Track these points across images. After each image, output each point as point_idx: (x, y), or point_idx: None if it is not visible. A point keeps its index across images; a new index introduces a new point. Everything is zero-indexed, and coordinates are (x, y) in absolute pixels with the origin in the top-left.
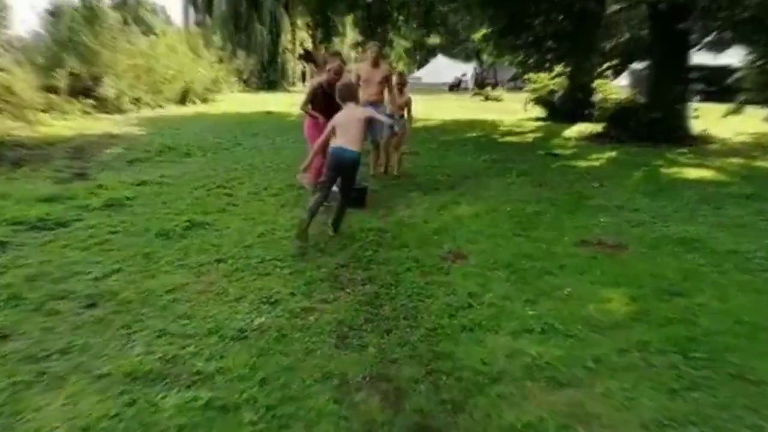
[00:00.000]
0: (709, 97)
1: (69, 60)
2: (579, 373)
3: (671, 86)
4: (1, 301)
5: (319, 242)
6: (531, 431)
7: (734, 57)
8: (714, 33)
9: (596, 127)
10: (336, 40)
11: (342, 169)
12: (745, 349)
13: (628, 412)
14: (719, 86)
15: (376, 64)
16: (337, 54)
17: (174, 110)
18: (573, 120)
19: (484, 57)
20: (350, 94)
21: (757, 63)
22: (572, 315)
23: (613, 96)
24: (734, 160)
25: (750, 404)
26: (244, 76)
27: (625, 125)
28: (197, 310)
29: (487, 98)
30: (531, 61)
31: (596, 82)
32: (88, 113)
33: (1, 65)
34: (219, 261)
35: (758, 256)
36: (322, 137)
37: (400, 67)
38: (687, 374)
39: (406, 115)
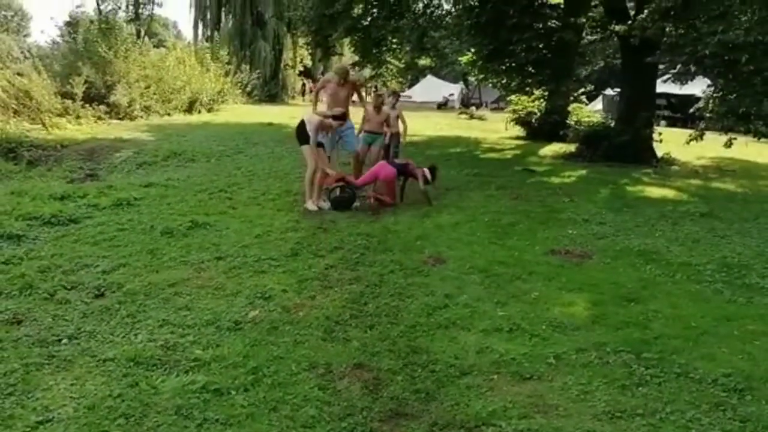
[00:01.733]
0: (674, 123)
1: (84, 68)
2: (541, 368)
3: (640, 112)
4: (15, 290)
5: (311, 244)
6: (495, 419)
7: (698, 87)
8: (679, 66)
9: (570, 147)
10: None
11: None
12: (690, 351)
13: (583, 404)
14: (684, 113)
15: (341, 83)
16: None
17: (181, 118)
18: (549, 140)
19: (470, 79)
20: None
21: (717, 94)
22: (538, 316)
23: (587, 119)
24: (693, 181)
25: (691, 400)
26: (248, 89)
27: (596, 146)
28: (196, 302)
29: (471, 117)
30: (513, 84)
31: (572, 106)
32: (101, 119)
33: (20, 71)
34: (218, 258)
35: (708, 269)
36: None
37: (393, 85)
38: (638, 372)
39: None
